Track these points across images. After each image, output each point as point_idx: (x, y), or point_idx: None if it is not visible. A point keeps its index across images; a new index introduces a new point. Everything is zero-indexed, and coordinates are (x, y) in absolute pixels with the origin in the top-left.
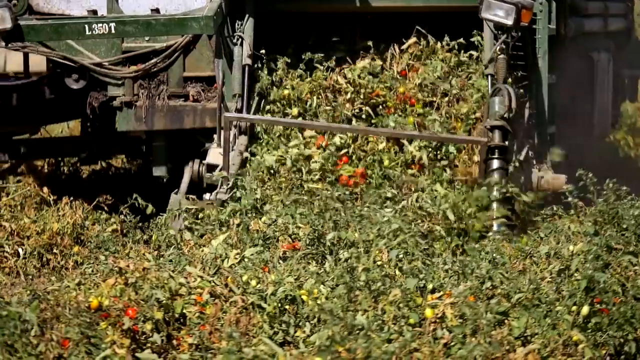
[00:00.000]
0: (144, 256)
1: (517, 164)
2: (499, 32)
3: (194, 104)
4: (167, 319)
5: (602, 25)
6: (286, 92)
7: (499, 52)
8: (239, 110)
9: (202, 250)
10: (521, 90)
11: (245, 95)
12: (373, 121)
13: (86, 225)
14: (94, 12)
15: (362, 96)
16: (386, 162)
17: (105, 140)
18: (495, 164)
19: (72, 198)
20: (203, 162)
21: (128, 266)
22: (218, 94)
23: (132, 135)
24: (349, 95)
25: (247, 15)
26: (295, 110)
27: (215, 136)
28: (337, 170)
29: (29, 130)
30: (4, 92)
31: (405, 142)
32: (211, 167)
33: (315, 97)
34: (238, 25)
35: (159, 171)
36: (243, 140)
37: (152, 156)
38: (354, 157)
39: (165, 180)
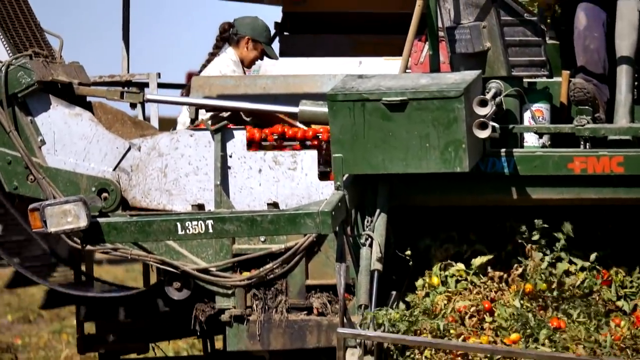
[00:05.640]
0: None
1: None
2: None
3: (319, 318)
4: None
5: None
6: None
7: None
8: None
9: None
10: None
11: (372, 307)
12: None
13: None
14: (200, 206)
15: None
16: None
17: None
18: None
19: None
20: None
21: None
22: (340, 305)
23: (255, 355)
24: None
25: (378, 211)
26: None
27: None
28: None
29: (135, 349)
30: (105, 305)
31: None
32: None
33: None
34: (367, 221)
35: None
36: None
37: None
38: None
39: None
